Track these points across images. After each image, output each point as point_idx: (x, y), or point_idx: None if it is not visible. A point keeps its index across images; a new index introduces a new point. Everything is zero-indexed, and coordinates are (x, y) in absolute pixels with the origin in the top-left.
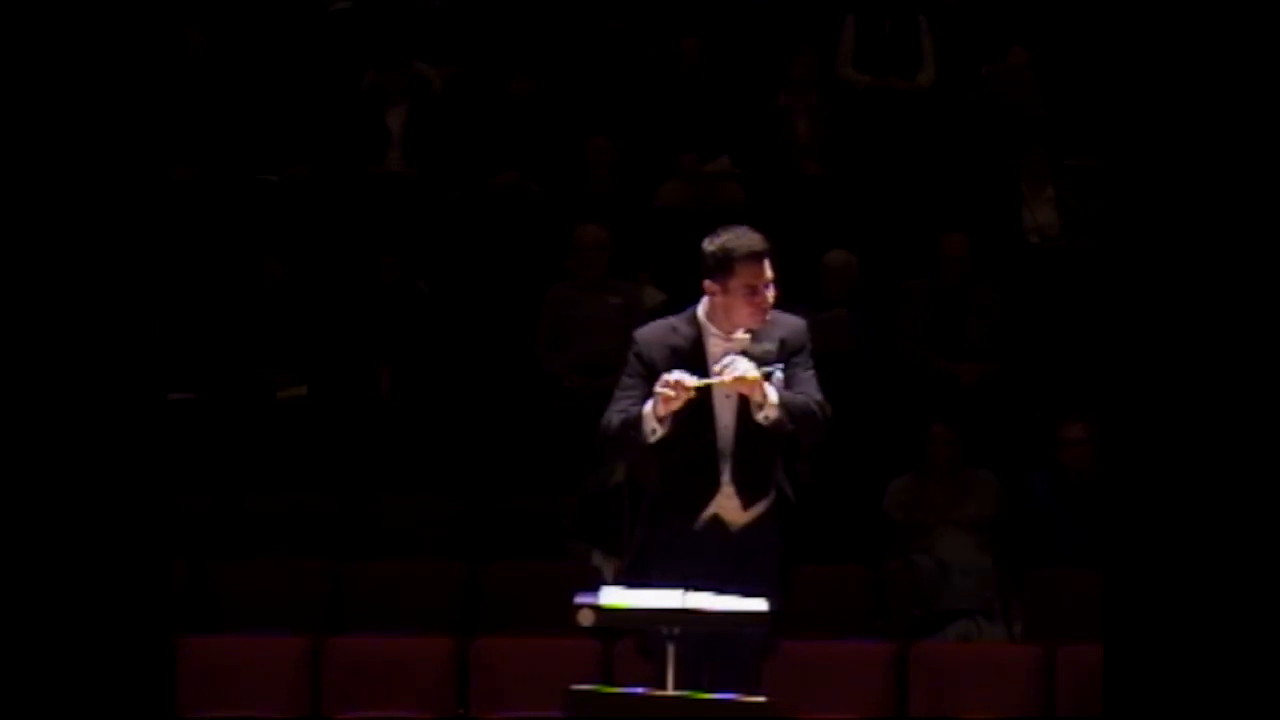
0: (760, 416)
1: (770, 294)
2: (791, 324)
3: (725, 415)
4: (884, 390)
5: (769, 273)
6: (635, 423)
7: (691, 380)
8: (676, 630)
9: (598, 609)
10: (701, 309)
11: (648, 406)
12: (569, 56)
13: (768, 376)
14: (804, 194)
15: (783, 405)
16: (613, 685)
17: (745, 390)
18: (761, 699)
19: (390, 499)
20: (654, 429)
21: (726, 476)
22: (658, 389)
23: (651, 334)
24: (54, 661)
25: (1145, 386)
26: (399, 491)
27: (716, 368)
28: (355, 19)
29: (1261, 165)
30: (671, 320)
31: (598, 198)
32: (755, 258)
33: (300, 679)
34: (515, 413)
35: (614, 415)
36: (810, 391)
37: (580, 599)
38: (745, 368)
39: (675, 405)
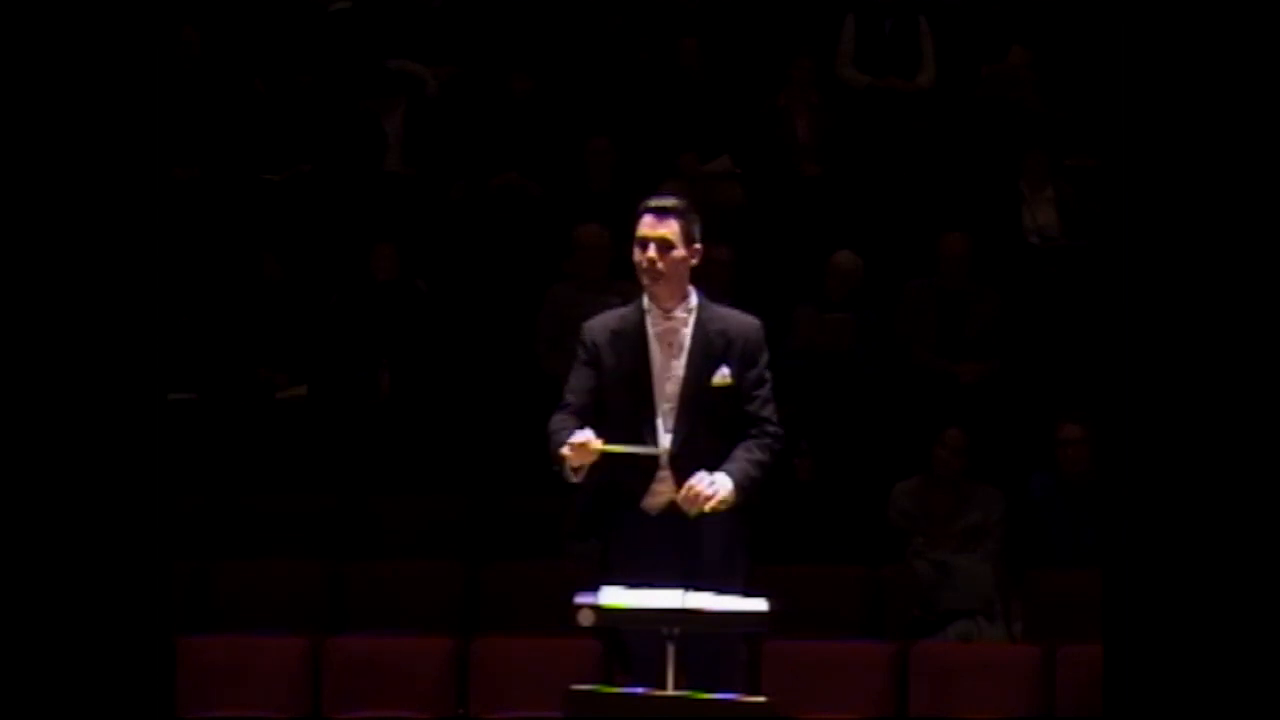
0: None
1: (659, 257)
2: (743, 322)
3: (664, 401)
4: (885, 391)
5: (661, 231)
6: (558, 459)
7: (597, 443)
8: (676, 630)
9: (598, 609)
10: (646, 296)
11: (565, 448)
12: (569, 56)
13: (714, 384)
14: (804, 194)
15: (739, 491)
16: (613, 685)
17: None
18: (761, 699)
19: (390, 499)
20: (569, 476)
21: (664, 462)
22: (566, 446)
23: (597, 321)
24: (54, 661)
25: (1146, 386)
26: (399, 491)
27: (688, 489)
28: (355, 19)
29: (1261, 165)
30: (621, 309)
31: (598, 198)
32: (647, 210)
33: (300, 679)
34: (515, 413)
35: (553, 428)
36: (766, 412)
37: (580, 599)
38: (706, 491)
39: (584, 462)
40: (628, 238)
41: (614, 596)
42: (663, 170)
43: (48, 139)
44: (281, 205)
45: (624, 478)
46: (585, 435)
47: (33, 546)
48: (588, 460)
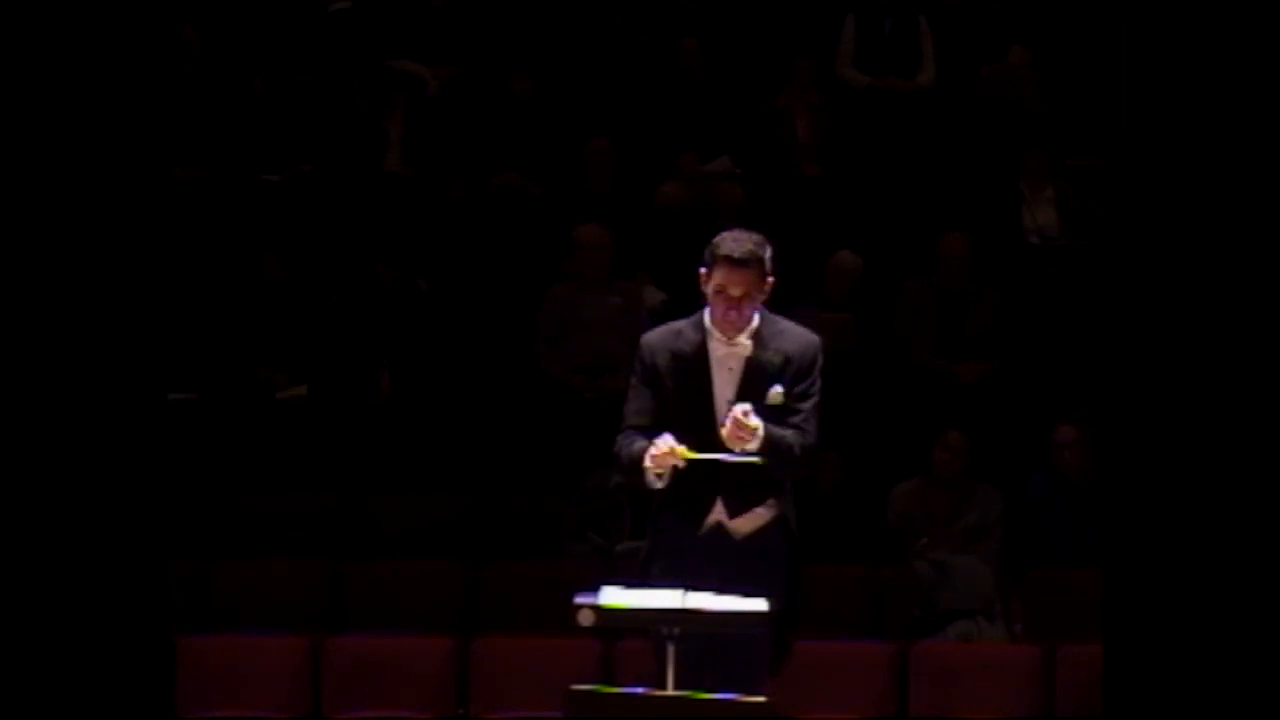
0: (739, 447)
1: (737, 310)
2: (802, 340)
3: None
4: (885, 391)
5: (740, 288)
6: (638, 466)
7: (683, 449)
8: (676, 630)
9: (598, 609)
10: (708, 312)
11: (647, 458)
12: (569, 56)
13: (768, 403)
14: (804, 194)
15: (766, 439)
16: (613, 685)
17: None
18: (761, 699)
19: (390, 499)
20: (653, 482)
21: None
22: (649, 454)
23: (656, 338)
24: (54, 661)
25: (1146, 386)
26: (399, 491)
27: (735, 412)
28: (355, 19)
29: (1261, 165)
30: (678, 324)
31: (598, 198)
32: (727, 262)
33: (300, 679)
34: (515, 413)
35: (624, 445)
36: (808, 428)
37: (580, 599)
38: (750, 416)
39: (666, 467)
40: (627, 238)
41: (614, 596)
42: (663, 170)
43: (48, 139)
44: (281, 205)
45: (689, 494)
46: (668, 442)
47: (33, 546)
48: (669, 465)
